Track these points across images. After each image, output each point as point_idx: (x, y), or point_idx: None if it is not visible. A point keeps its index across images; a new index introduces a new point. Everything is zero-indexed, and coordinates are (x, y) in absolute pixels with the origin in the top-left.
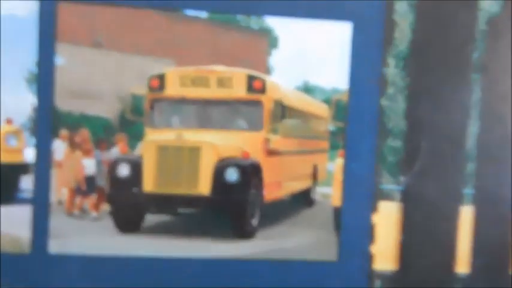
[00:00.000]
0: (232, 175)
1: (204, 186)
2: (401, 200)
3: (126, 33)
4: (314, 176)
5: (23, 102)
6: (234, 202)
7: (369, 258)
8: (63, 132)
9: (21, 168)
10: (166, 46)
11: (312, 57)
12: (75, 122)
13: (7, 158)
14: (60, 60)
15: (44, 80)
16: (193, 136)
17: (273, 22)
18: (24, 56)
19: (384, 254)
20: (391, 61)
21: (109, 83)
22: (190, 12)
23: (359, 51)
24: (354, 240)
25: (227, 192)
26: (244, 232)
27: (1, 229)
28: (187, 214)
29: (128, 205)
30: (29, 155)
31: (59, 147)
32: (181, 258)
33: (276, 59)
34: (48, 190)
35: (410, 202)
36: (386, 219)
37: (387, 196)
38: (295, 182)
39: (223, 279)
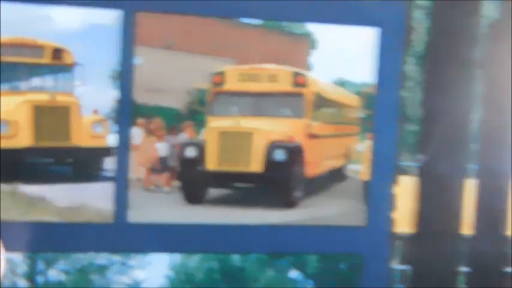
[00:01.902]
0: (279, 155)
1: (256, 165)
2: (417, 174)
3: (192, 38)
4: (346, 155)
5: (107, 96)
6: (281, 178)
7: (391, 223)
8: (140, 120)
9: (105, 151)
10: (226, 48)
11: (346, 56)
12: (150, 112)
13: (94, 143)
14: (138, 60)
15: (124, 77)
16: (247, 123)
17: (313, 27)
18: (109, 57)
19: (403, 219)
20: (410, 59)
21: (178, 79)
22: (245, 20)
23: (384, 52)
24: (379, 208)
25: (275, 169)
26: (289, 203)
27: (88, 202)
28: (242, 188)
29: (194, 181)
30: (112, 140)
31: (137, 133)
32: (237, 225)
33: (315, 58)
34: (127, 169)
35: (424, 176)
36: (405, 191)
37: (406, 171)
38: (331, 161)
39: (272, 242)
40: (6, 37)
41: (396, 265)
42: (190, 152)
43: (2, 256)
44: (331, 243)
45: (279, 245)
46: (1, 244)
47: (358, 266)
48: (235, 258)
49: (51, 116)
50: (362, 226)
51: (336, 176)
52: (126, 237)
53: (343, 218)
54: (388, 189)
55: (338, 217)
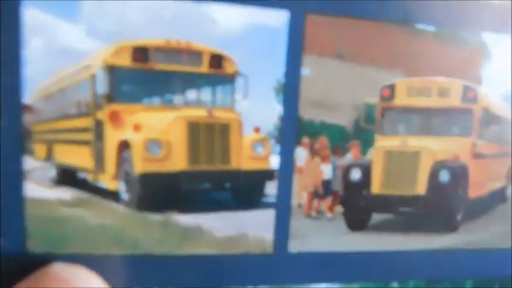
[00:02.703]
0: (444, 176)
1: (421, 187)
2: None
3: (364, 46)
4: (508, 176)
5: (270, 112)
6: (445, 200)
7: None
8: (305, 139)
9: (268, 175)
10: (397, 58)
11: None
12: (315, 130)
13: (254, 165)
14: (305, 71)
15: (290, 90)
16: (415, 142)
17: (489, 37)
18: (273, 66)
19: None
20: None
21: (347, 93)
22: (421, 26)
23: None
24: None
25: (439, 191)
26: (450, 226)
27: (247, 232)
28: (403, 212)
29: (358, 206)
30: (274, 161)
31: (301, 154)
32: (397, 251)
33: (487, 71)
34: (290, 194)
35: None
36: None
37: None
38: (494, 182)
39: (431, 268)
40: (156, 39)
41: None
42: (355, 175)
43: None
44: (486, 267)
45: (437, 270)
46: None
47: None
48: (394, 286)
49: (209, 135)
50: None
51: (498, 197)
52: (286, 268)
53: (499, 241)
54: None
55: (496, 240)
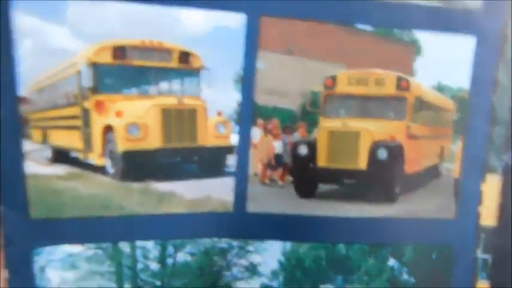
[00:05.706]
0: (382, 154)
1: (362, 162)
2: (502, 173)
3: (310, 43)
4: (441, 155)
5: (230, 98)
6: (384, 175)
7: (477, 216)
8: (259, 121)
9: (228, 150)
10: (339, 53)
11: (445, 63)
12: (268, 113)
13: (217, 142)
14: (260, 64)
15: (247, 80)
16: (354, 123)
17: (419, 35)
18: (233, 61)
19: (488, 213)
20: (501, 66)
21: (295, 82)
22: (359, 26)
23: (479, 59)
24: (468, 203)
25: (378, 167)
26: (389, 198)
27: (212, 195)
28: (348, 183)
29: (305, 176)
30: (234, 139)
31: (256, 133)
32: (343, 217)
33: (418, 64)
34: (247, 165)
35: (509, 175)
36: (491, 188)
37: (492, 170)
38: (427, 159)
39: (373, 234)
40: (133, 39)
41: (480, 254)
42: (302, 150)
43: None
44: (424, 235)
45: (379, 236)
46: None
47: (447, 255)
48: (340, 248)
49: (179, 119)
50: (452, 219)
51: (432, 173)
52: (245, 225)
53: (436, 212)
54: (476, 186)
55: (432, 211)
